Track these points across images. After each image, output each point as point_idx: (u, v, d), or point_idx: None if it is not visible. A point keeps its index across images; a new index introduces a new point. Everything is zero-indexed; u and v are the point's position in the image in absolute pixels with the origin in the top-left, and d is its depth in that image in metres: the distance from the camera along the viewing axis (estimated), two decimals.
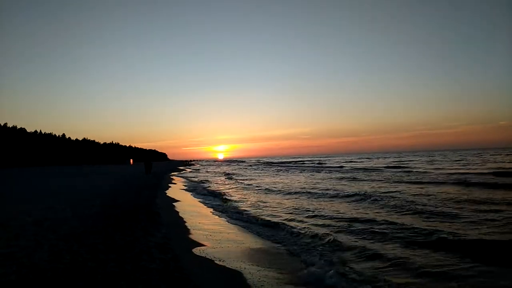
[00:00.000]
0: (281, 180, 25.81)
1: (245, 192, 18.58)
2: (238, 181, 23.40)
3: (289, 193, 17.06)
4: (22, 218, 8.80)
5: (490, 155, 68.13)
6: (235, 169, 51.01)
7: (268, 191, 18.61)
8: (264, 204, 13.31)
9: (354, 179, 24.28)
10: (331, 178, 26.07)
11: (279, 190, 18.47)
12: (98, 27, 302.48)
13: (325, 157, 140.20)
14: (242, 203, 13.91)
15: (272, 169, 49.75)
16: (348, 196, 14.84)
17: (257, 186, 21.23)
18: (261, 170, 47.34)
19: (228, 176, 31.61)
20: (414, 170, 33.60)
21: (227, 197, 15.81)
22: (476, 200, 12.59)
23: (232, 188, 20.93)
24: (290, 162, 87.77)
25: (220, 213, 11.73)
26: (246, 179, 27.48)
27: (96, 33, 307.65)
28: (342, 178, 24.96)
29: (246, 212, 11.31)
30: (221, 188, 20.61)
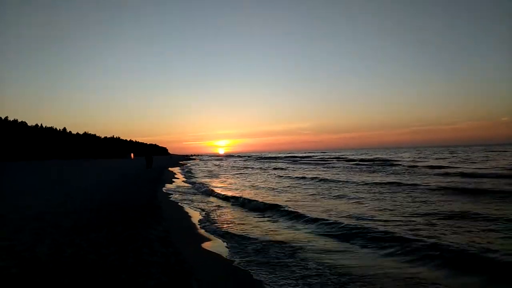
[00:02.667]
0: (236, 181, 23.77)
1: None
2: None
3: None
4: (22, 211, 8.79)
5: (487, 152, 63.99)
6: (219, 165, 50.83)
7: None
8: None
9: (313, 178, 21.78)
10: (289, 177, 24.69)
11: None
12: (100, 22, 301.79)
13: (322, 152, 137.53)
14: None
15: (256, 164, 49.30)
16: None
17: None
18: (239, 166, 47.07)
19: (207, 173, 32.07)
20: (380, 167, 32.95)
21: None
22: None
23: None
24: (277, 158, 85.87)
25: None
26: (207, 178, 26.22)
27: (98, 29, 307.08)
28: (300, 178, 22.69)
29: None
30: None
